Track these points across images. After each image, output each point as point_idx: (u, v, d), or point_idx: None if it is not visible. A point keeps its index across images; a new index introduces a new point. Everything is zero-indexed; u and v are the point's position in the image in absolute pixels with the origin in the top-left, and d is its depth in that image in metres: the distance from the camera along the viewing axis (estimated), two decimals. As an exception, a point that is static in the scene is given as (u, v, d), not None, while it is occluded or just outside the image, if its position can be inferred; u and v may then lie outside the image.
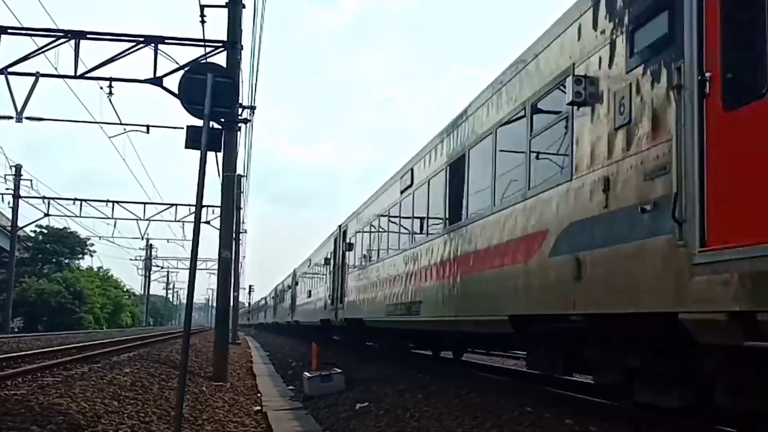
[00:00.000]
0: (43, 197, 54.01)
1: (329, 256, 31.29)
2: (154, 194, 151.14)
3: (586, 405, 11.34)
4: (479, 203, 12.43)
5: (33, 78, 22.27)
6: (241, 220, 50.10)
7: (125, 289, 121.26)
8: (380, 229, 21.78)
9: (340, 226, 28.97)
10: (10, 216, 60.34)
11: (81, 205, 53.80)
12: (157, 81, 20.41)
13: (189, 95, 10.48)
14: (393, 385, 15.42)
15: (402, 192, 18.68)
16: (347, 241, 26.82)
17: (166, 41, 20.69)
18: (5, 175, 55.65)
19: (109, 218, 55.71)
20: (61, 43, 20.95)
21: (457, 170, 13.98)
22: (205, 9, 21.31)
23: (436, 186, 15.55)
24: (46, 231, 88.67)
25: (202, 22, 21.62)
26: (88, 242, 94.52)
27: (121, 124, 31.34)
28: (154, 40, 20.60)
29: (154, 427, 10.61)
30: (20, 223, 61.87)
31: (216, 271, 22.19)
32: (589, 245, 8.33)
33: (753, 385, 6.78)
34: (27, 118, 26.24)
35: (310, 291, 39.44)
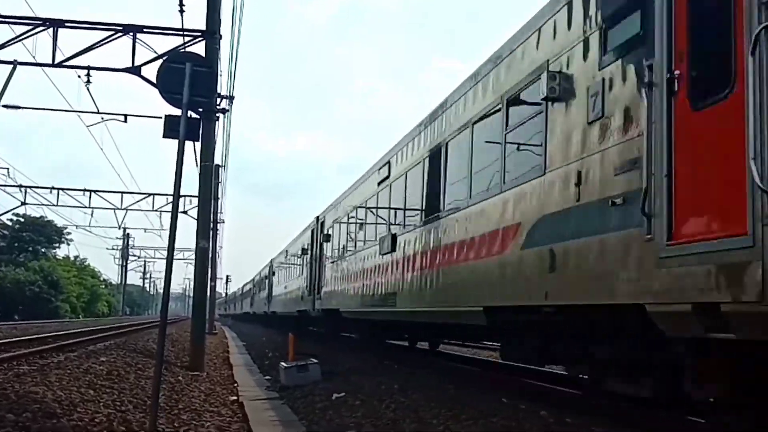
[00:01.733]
0: (20, 186, 53.57)
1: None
2: (131, 184, 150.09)
3: (562, 397, 11.43)
4: None
5: (10, 66, 22.14)
6: (219, 211, 49.97)
7: (102, 279, 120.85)
8: None
9: None
10: (-15, 204, 59.98)
11: (58, 194, 53.44)
12: (135, 70, 20.31)
13: (167, 84, 10.46)
14: (370, 376, 15.46)
15: None
16: None
17: (144, 30, 20.58)
18: (-19, 163, 55.26)
19: (86, 207, 55.39)
20: (39, 31, 20.81)
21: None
22: (184, -2, 21.26)
23: None
24: (22, 220, 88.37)
25: (181, 11, 21.56)
26: (64, 231, 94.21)
27: (98, 113, 31.21)
28: (132, 29, 20.49)
29: (130, 416, 10.58)
30: (-4, 212, 61.50)
31: (193, 261, 22.14)
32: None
33: (719, 375, 6.92)
34: (4, 106, 26.19)
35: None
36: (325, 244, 28.36)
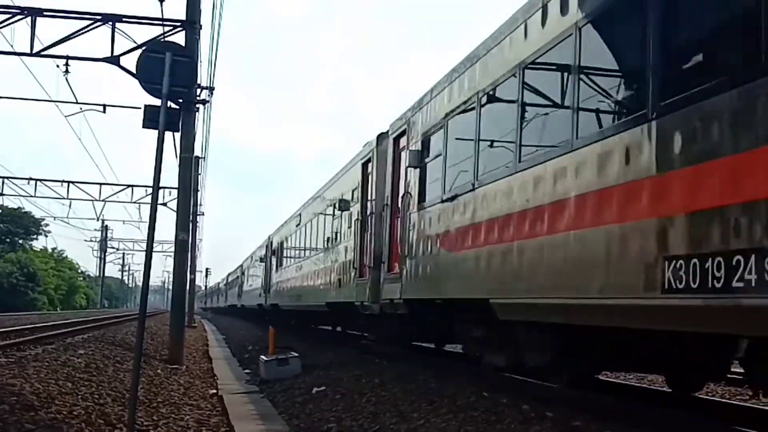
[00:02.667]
0: (-3, 176, 53.15)
1: None
2: (110, 175, 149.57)
3: (543, 391, 11.39)
4: None
5: (-13, 55, 21.91)
6: (199, 203, 49.78)
7: (80, 271, 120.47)
8: None
9: None
10: (-38, 195, 59.41)
11: (36, 184, 52.97)
12: (114, 60, 20.13)
13: (147, 74, 10.33)
14: (349, 370, 15.42)
15: None
16: None
17: (124, 20, 20.42)
18: (-42, 153, 54.85)
19: (64, 198, 54.99)
20: (17, 20, 20.59)
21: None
22: (164, -13, 21.11)
23: None
24: (0, 211, 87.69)
25: (161, 0, 21.40)
26: (42, 222, 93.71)
27: (77, 103, 31.00)
28: (111, 19, 20.32)
29: (109, 409, 10.50)
30: (-27, 203, 61.09)
31: (172, 254, 22.02)
32: None
33: None
34: (-19, 95, 25.80)
35: None
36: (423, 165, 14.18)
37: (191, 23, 19.99)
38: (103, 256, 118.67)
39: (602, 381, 14.05)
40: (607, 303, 7.94)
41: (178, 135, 19.94)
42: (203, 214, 59.36)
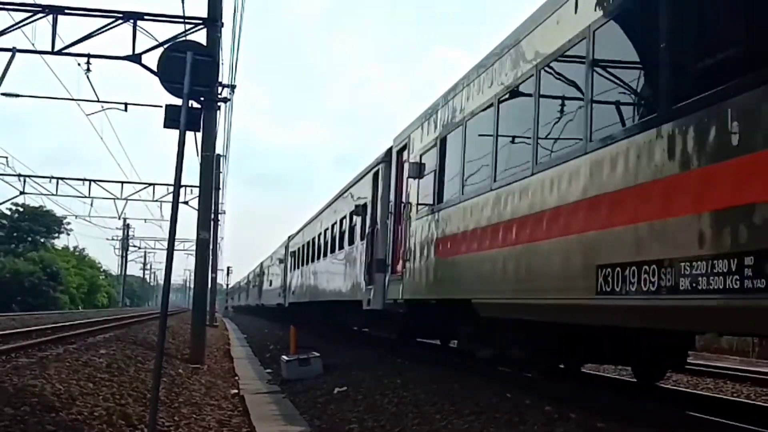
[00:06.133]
0: (19, 175, 53.28)
1: None
2: (131, 173, 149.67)
3: (565, 392, 11.29)
4: None
5: (9, 53, 21.94)
6: (220, 201, 49.83)
7: (101, 270, 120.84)
8: None
9: None
10: (-15, 194, 59.84)
11: (57, 183, 53.17)
12: (135, 58, 20.15)
13: (168, 73, 10.29)
14: (371, 370, 15.35)
15: None
16: None
17: (145, 18, 20.44)
18: (-21, 152, 54.95)
19: (85, 197, 55.13)
20: (39, 18, 20.64)
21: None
22: (186, -14, 21.13)
23: None
24: (21, 209, 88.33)
25: (182, -2, 21.46)
26: (64, 221, 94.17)
27: (98, 101, 31.04)
28: (133, 17, 20.33)
29: (130, 410, 10.46)
30: (-5, 201, 61.35)
31: (194, 252, 22.01)
32: None
33: None
34: (3, 94, 26.02)
35: None
36: None
37: (213, 21, 19.97)
38: (124, 255, 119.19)
39: (626, 382, 13.92)
40: None
41: (199, 133, 19.94)
42: (224, 213, 59.40)
